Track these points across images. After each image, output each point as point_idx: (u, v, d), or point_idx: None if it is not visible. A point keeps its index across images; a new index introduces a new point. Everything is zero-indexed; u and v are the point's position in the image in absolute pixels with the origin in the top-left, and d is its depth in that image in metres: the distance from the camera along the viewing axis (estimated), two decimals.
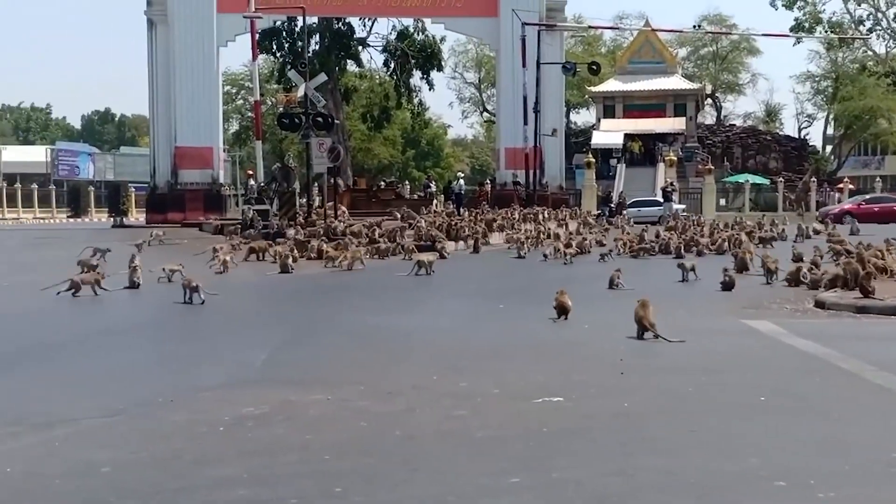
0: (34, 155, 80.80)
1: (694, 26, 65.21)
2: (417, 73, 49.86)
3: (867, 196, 45.13)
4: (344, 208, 28.15)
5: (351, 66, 53.65)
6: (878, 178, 59.00)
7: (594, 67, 44.35)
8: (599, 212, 39.44)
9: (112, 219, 40.32)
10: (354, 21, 48.43)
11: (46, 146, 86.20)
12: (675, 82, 63.64)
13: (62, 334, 11.11)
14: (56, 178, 72.06)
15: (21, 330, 11.50)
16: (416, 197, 39.21)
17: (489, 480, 5.21)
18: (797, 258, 17.81)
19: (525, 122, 38.50)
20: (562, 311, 11.50)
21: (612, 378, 7.95)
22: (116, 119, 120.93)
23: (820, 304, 13.03)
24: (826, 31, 59.30)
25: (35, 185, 62.28)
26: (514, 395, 7.33)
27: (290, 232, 23.59)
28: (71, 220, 55.81)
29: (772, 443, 5.96)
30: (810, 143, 73.75)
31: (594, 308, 12.61)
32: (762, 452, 5.70)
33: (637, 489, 5.05)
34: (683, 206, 43.28)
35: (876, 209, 37.52)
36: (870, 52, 61.99)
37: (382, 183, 45.99)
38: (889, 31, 58.04)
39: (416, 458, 5.66)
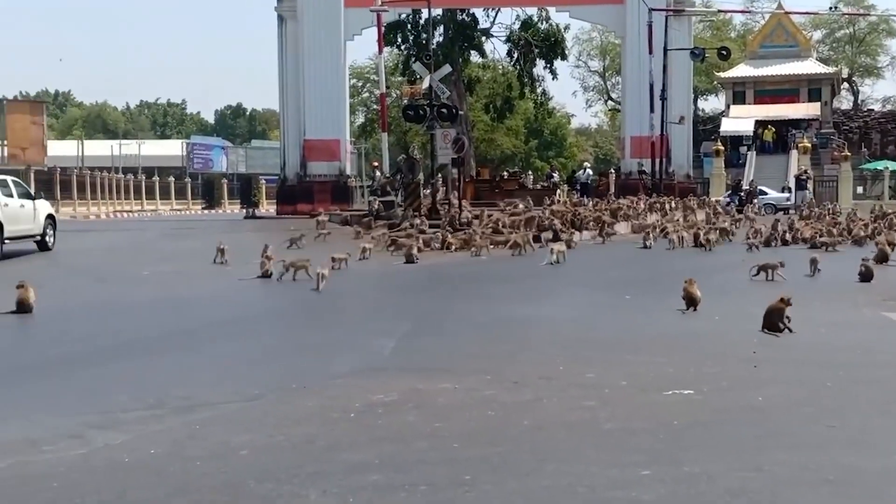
0: (171, 149, 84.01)
1: (830, 8, 62.71)
2: (541, 63, 49.49)
3: None
4: (464, 202, 28.18)
5: (474, 57, 53.69)
6: None
7: (724, 52, 43.25)
8: (728, 200, 38.45)
9: (244, 210, 41.51)
10: (478, 11, 48.43)
11: (182, 140, 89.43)
12: (809, 66, 61.48)
13: (200, 321, 11.53)
14: (191, 171, 74.75)
15: (164, 316, 11.98)
16: (539, 187, 38.96)
17: (619, 472, 5.18)
18: None
19: (651, 110, 37.84)
20: (690, 301, 11.30)
21: (745, 371, 7.79)
22: (248, 113, 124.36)
23: None
24: None
25: (172, 178, 64.78)
26: (643, 386, 7.26)
27: (416, 221, 23.83)
28: (205, 211, 57.81)
29: None
30: None
31: (726, 299, 12.35)
32: None
33: (771, 485, 4.94)
34: (806, 195, 41.58)
35: None
36: None
37: (506, 173, 45.91)
38: None
39: (544, 449, 5.67)
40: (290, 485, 5.08)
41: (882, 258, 16.34)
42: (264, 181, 54.98)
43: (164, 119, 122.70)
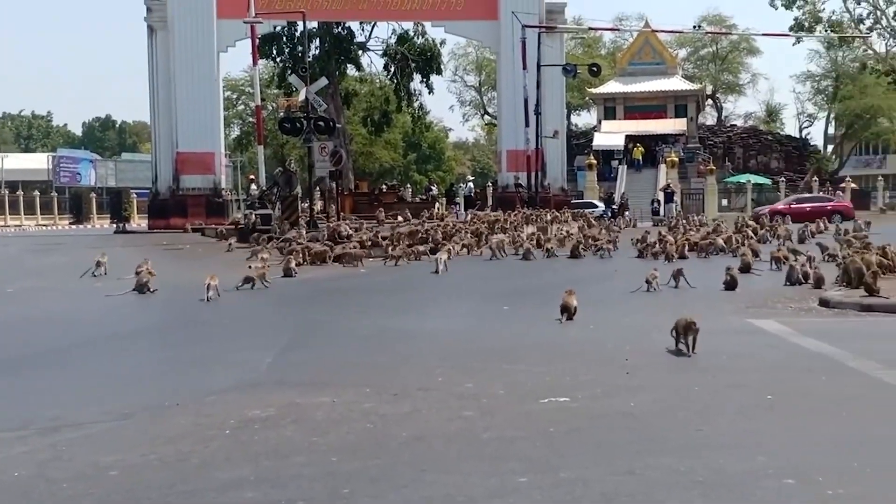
0: (36, 162, 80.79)
1: (694, 27, 65.14)
2: (417, 77, 49.88)
3: (798, 196, 44.88)
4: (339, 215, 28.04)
5: (351, 71, 53.68)
6: (879, 177, 58.90)
7: (595, 69, 44.39)
8: (602, 213, 39.39)
9: (114, 225, 40.36)
10: (354, 25, 48.48)
11: (48, 153, 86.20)
12: (676, 83, 63.63)
13: (69, 338, 11.12)
14: (58, 184, 72.01)
15: (30, 334, 11.51)
16: (418, 200, 39.18)
17: (497, 481, 5.21)
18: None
19: (526, 125, 38.49)
20: (565, 310, 11.49)
21: (619, 378, 7.95)
22: (117, 126, 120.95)
23: (824, 303, 13.03)
24: (826, 31, 59.04)
25: (37, 192, 62.35)
26: (521, 395, 7.33)
27: (292, 233, 23.60)
28: (73, 226, 55.87)
29: (780, 441, 5.96)
30: (811, 143, 73.65)
31: (601, 309, 12.61)
32: (770, 451, 5.70)
33: (645, 488, 5.05)
34: (673, 207, 42.62)
35: (808, 209, 37.23)
36: (870, 51, 61.81)
37: (384, 186, 46.01)
38: (889, 29, 57.79)
39: (423, 460, 5.66)
40: None
41: (746, 268, 16.96)
42: (135, 195, 53.56)
43: (28, 131, 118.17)
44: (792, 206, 40.27)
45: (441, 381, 7.99)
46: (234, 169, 67.24)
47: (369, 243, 22.08)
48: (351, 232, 23.67)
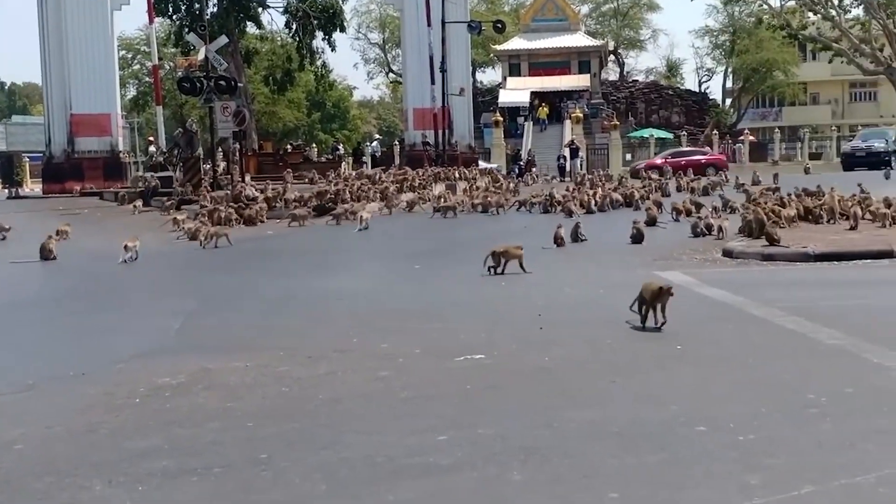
0: None
1: None
2: (320, 35, 49.04)
3: (673, 150, 45.90)
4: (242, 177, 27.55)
5: (251, 28, 52.47)
6: (776, 129, 60.47)
7: (499, 26, 44.30)
8: (509, 170, 39.62)
9: (6, 190, 38.97)
10: None
11: None
12: (579, 39, 64.08)
13: None
14: None
15: None
16: (324, 159, 38.73)
17: (417, 439, 5.21)
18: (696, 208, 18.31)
19: (432, 82, 38.27)
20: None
21: (532, 333, 8.02)
22: (6, 87, 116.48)
23: (728, 253, 13.37)
24: None
25: None
26: (437, 354, 7.33)
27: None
28: None
29: (691, 390, 6.09)
30: (711, 97, 75.21)
31: (511, 265, 12.69)
32: (682, 399, 5.82)
33: (562, 440, 5.11)
34: (577, 163, 43.08)
35: (682, 162, 38.21)
36: (765, 6, 63.13)
37: (289, 146, 45.32)
38: None
39: (341, 422, 5.62)
40: (72, 477, 4.79)
41: (651, 221, 17.26)
42: (27, 159, 51.75)
43: None
44: (668, 159, 40.92)
45: (356, 342, 7.95)
46: (131, 130, 65.41)
47: (276, 204, 21.78)
48: (256, 193, 23.30)
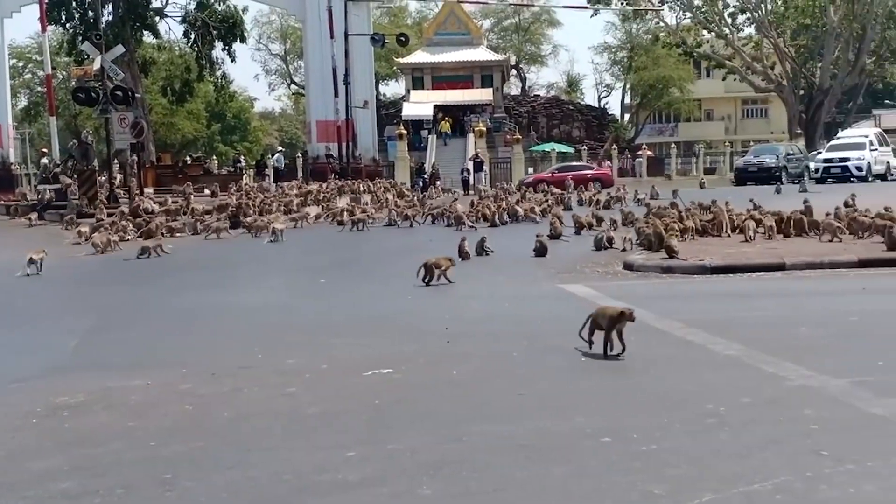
0: None
1: None
2: (219, 45, 48.48)
3: (561, 165, 46.69)
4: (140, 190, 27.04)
5: (148, 38, 51.57)
6: (672, 145, 61.98)
7: (402, 39, 44.58)
8: (414, 183, 39.70)
9: None
10: None
11: None
12: (481, 54, 64.65)
13: None
14: None
15: None
16: (224, 172, 38.28)
17: (325, 456, 5.19)
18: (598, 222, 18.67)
19: (336, 95, 38.29)
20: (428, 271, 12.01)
21: (440, 347, 8.07)
22: None
23: (629, 266, 13.65)
24: (621, 3, 61.63)
25: None
26: (345, 369, 7.32)
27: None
28: None
29: (596, 401, 6.21)
30: (610, 112, 76.82)
31: (417, 279, 12.75)
32: (587, 411, 5.93)
33: (472, 454, 5.15)
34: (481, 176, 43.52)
35: (570, 177, 38.64)
36: (661, 24, 64.83)
37: (188, 158, 44.65)
38: (679, 2, 60.78)
39: (247, 439, 5.57)
40: None
41: (555, 235, 17.50)
42: None
43: None
44: (555, 174, 41.45)
45: (261, 357, 7.89)
46: (22, 141, 63.53)
47: (176, 221, 21.42)
48: (155, 207, 22.89)
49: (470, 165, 45.11)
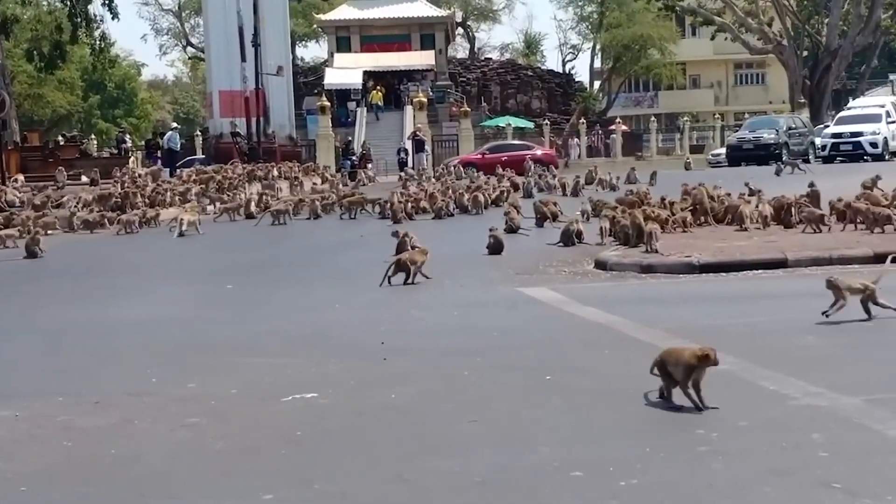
0: None
1: None
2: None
3: (490, 144, 46.83)
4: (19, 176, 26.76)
5: None
6: (652, 118, 62.71)
7: None
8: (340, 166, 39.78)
9: None
10: None
11: None
12: (421, 8, 64.72)
13: None
14: None
15: None
16: (107, 155, 37.90)
17: (237, 501, 5.19)
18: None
19: (243, 60, 38.02)
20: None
21: (375, 366, 8.10)
22: None
23: (601, 265, 13.79)
24: None
25: None
26: (259, 394, 7.32)
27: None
28: None
29: (563, 429, 6.27)
30: (576, 79, 77.40)
31: (346, 283, 12.77)
32: (554, 440, 5.99)
33: (418, 495, 5.19)
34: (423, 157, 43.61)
35: (504, 158, 38.62)
36: None
37: (61, 138, 44.11)
38: None
39: (143, 482, 5.55)
40: None
41: (512, 228, 17.59)
42: None
43: None
44: (485, 155, 41.58)
45: (156, 381, 7.86)
46: None
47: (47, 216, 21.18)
48: (20, 198, 22.66)
49: (408, 145, 45.19)
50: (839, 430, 5.96)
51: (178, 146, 39.68)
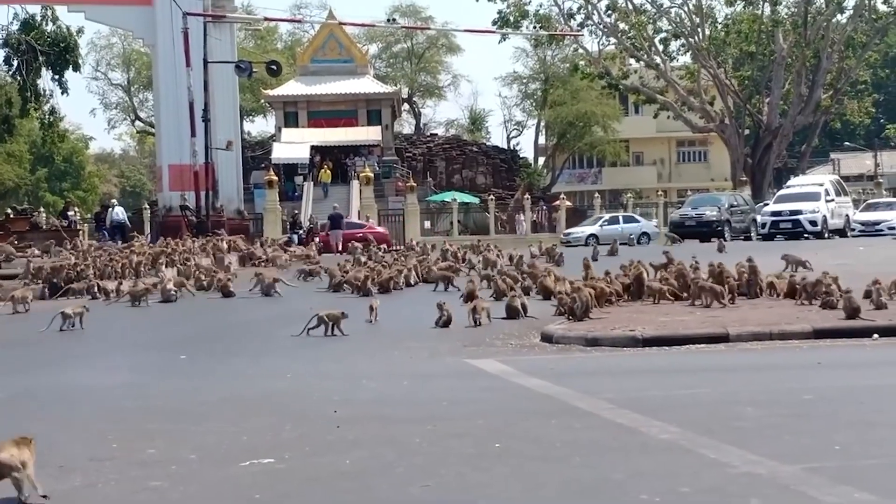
0: None
1: (387, 20, 67.18)
2: (48, 74, 48.08)
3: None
4: None
5: None
6: (596, 194, 63.43)
7: (273, 67, 44.77)
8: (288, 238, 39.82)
9: None
10: None
11: None
12: (367, 85, 65.13)
13: None
14: None
15: None
16: (54, 227, 37.76)
17: None
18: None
19: (193, 134, 38.20)
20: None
21: (329, 433, 8.29)
22: None
23: (547, 338, 14.08)
24: (534, 27, 62.81)
25: None
26: (217, 459, 7.48)
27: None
28: None
29: (512, 494, 6.51)
30: (521, 155, 77.89)
31: (298, 354, 12.95)
32: None
33: None
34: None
35: (359, 235, 38.88)
36: (581, 50, 66.35)
37: (10, 211, 43.95)
38: (602, 26, 62.18)
39: None
40: None
41: (469, 297, 17.76)
42: None
43: None
44: (328, 233, 41.05)
45: (116, 447, 7.97)
46: None
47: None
48: None
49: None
50: (778, 496, 6.22)
51: (126, 219, 39.58)
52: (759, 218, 41.11)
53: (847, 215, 41.17)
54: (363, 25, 67.17)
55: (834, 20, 58.80)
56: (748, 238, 40.15)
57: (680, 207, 48.16)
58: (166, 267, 24.82)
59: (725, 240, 34.61)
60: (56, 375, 12.09)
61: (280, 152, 59.58)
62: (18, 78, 47.74)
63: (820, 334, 13.61)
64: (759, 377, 10.06)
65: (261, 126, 79.40)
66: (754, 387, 9.54)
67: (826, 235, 38.27)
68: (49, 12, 46.26)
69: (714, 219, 40.93)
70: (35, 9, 45.96)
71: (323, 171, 56.58)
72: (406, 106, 79.06)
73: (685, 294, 17.10)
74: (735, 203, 44.05)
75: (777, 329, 13.80)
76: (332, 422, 8.69)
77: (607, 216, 48.83)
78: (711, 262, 18.71)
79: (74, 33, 47.70)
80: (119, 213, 39.52)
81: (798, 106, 59.05)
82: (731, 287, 16.88)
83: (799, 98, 59.06)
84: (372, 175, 54.13)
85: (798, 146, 68.36)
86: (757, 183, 58.30)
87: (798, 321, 14.34)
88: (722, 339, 13.49)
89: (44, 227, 37.38)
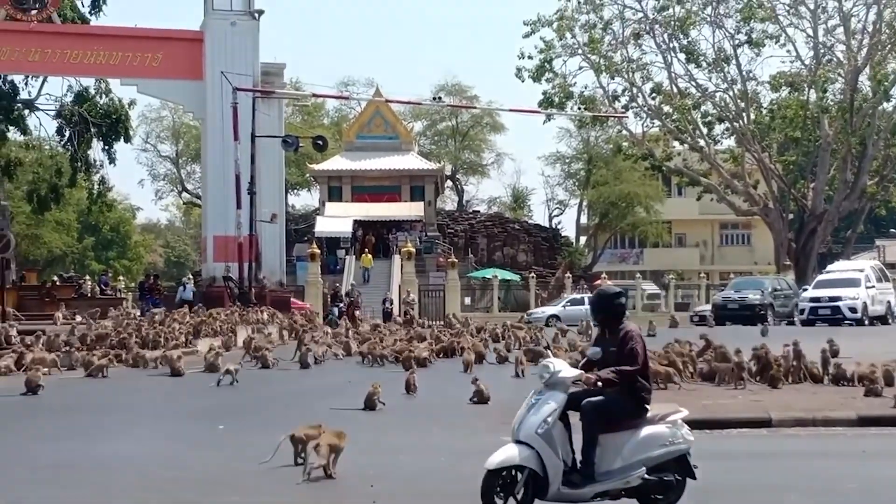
0: None
1: (433, 98, 67.67)
2: (99, 145, 48.73)
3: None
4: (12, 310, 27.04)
5: (14, 134, 51.74)
6: (637, 274, 63.15)
7: (320, 143, 45.11)
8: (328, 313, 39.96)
9: None
10: (18, 79, 46.97)
11: None
12: (411, 161, 65.51)
13: None
14: None
15: None
16: (100, 296, 38.08)
17: None
18: None
19: (238, 206, 38.48)
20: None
21: None
22: None
23: None
24: (579, 108, 62.97)
25: None
26: None
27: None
28: None
29: None
30: (563, 234, 77.89)
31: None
32: None
33: None
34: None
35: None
36: (624, 132, 66.35)
37: (56, 278, 44.38)
38: (646, 108, 62.18)
39: None
40: None
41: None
42: None
43: None
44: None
45: None
46: None
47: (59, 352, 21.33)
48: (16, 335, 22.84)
49: (394, 294, 44.56)
50: None
51: (191, 295, 39.36)
52: (798, 303, 40.67)
53: (889, 302, 40.58)
54: (409, 103, 67.70)
55: (880, 108, 58.48)
56: (791, 322, 39.67)
57: (723, 290, 47.81)
58: (207, 337, 24.98)
59: (769, 324, 34.15)
60: (101, 444, 12.16)
61: (323, 226, 59.96)
62: (70, 148, 48.53)
63: (865, 422, 13.42)
64: (801, 464, 9.91)
65: (305, 199, 80.00)
66: (797, 474, 9.41)
67: (866, 322, 37.75)
68: (102, 85, 47.09)
69: (757, 302, 40.45)
70: (89, 82, 46.81)
71: (365, 256, 56.44)
72: (449, 182, 79.40)
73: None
74: (778, 287, 43.62)
75: (821, 415, 13.62)
76: (369, 496, 8.68)
77: (569, 297, 48.78)
78: (754, 346, 18.52)
79: (126, 106, 48.52)
80: (189, 291, 38.89)
81: (843, 192, 58.57)
82: (775, 373, 16.82)
83: (844, 184, 58.62)
84: (414, 250, 54.17)
85: (843, 231, 67.82)
86: (801, 267, 57.71)
87: (843, 407, 14.15)
88: (764, 423, 13.35)
89: (89, 294, 37.69)
